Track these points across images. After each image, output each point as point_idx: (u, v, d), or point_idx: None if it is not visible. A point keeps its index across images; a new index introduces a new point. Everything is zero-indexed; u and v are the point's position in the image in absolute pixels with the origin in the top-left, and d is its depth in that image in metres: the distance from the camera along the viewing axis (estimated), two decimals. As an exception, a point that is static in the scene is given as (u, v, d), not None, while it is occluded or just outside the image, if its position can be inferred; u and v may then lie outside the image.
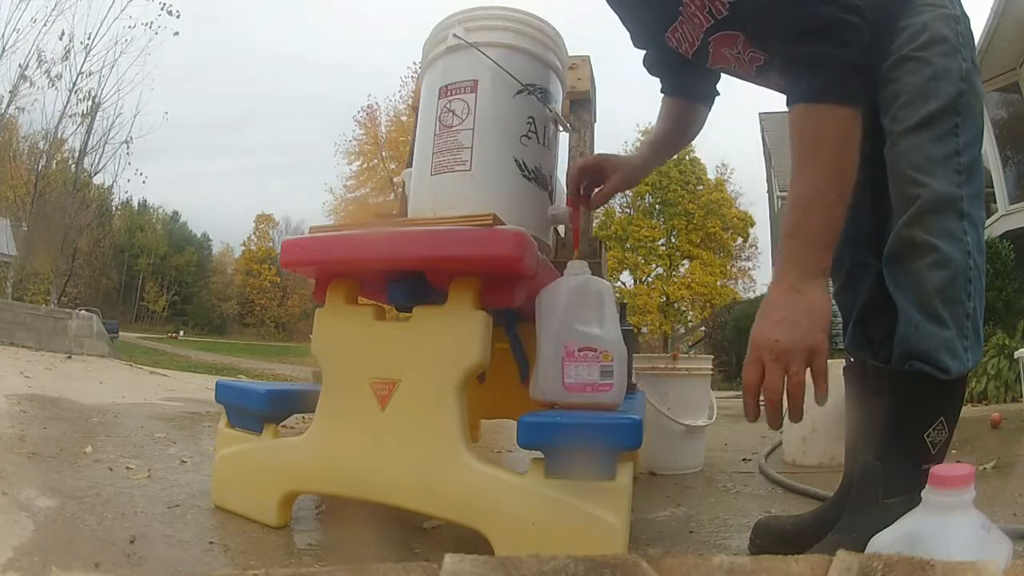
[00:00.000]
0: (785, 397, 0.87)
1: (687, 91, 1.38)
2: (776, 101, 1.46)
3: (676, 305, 23.86)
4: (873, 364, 1.05)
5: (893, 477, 0.98)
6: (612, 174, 1.37)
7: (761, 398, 0.89)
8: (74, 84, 12.10)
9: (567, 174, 1.41)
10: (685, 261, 24.76)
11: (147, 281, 41.40)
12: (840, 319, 1.25)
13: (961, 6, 1.09)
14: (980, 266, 1.00)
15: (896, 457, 0.99)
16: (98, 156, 12.53)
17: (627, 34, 1.32)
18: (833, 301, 1.11)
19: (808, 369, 0.86)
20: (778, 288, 0.90)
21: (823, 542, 1.04)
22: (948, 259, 0.97)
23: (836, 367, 1.06)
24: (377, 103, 24.11)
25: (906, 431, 0.99)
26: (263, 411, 1.30)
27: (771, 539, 1.18)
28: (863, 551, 0.71)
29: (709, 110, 1.41)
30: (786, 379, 0.85)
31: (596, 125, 1.84)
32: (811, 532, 1.11)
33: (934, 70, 1.02)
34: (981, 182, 1.04)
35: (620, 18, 1.29)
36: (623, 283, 24.47)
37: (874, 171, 1.08)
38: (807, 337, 0.85)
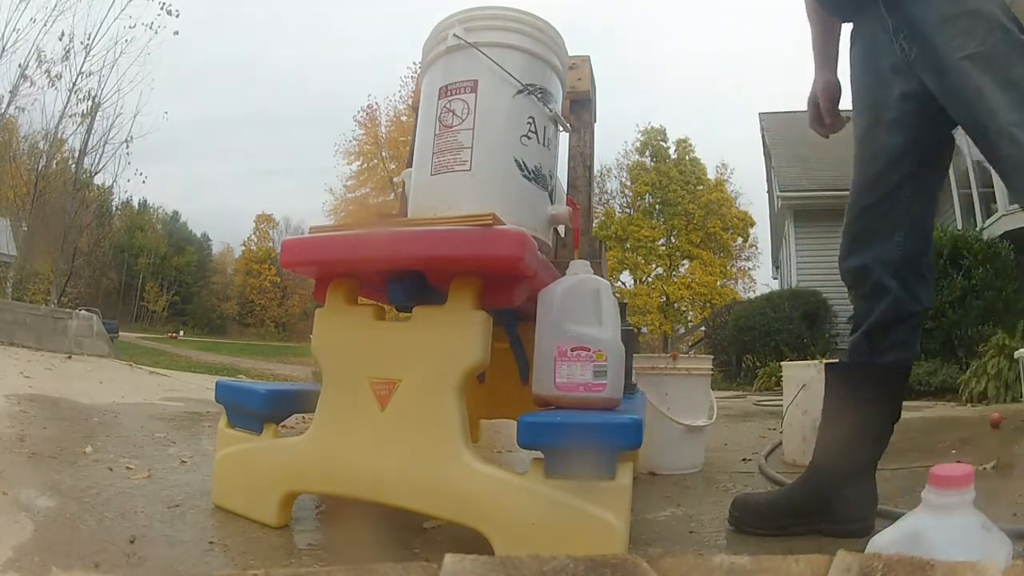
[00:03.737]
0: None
1: None
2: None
3: (676, 305, 23.83)
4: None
5: None
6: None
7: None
8: (74, 84, 12.04)
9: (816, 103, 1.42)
10: (685, 261, 24.72)
11: (147, 281, 41.29)
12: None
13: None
14: None
15: None
16: (98, 156, 12.47)
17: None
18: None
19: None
20: None
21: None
22: None
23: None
24: (377, 103, 24.01)
25: None
26: (263, 411, 1.30)
27: (747, 512, 1.32)
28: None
29: None
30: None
31: (596, 125, 1.84)
32: (781, 506, 1.30)
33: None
34: None
35: None
36: (623, 283, 24.44)
37: (913, 203, 1.22)
38: None
